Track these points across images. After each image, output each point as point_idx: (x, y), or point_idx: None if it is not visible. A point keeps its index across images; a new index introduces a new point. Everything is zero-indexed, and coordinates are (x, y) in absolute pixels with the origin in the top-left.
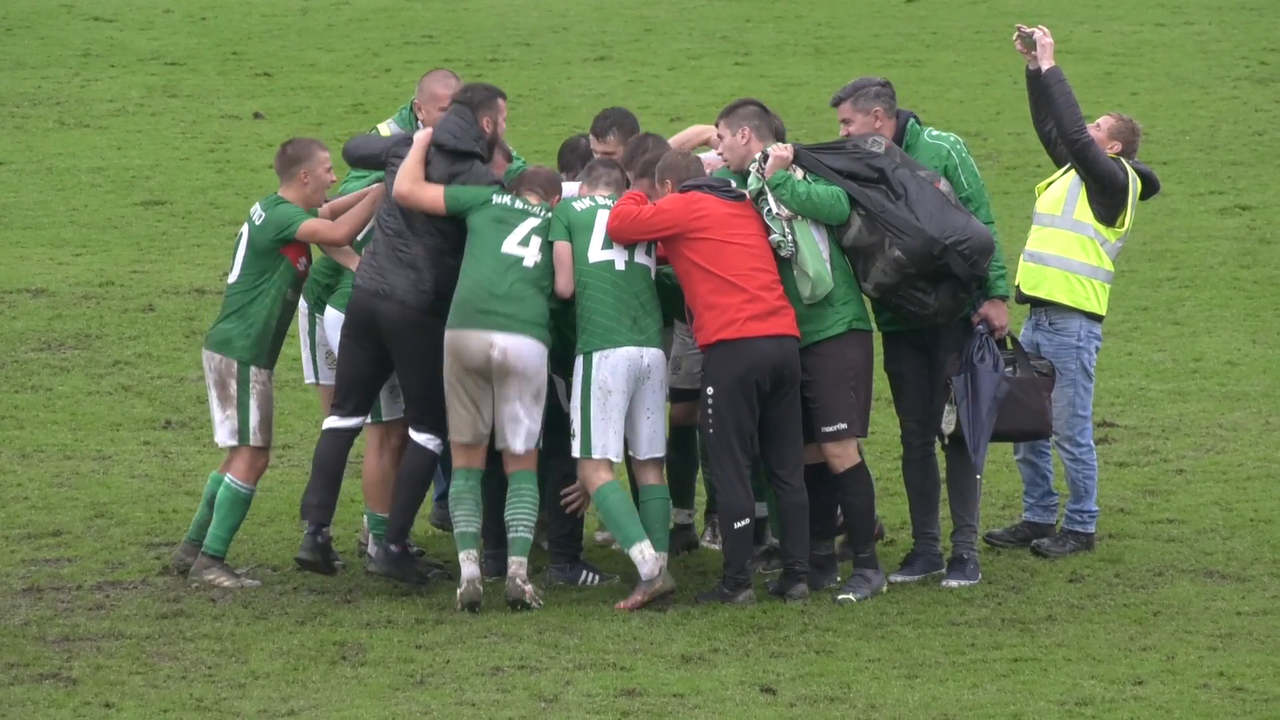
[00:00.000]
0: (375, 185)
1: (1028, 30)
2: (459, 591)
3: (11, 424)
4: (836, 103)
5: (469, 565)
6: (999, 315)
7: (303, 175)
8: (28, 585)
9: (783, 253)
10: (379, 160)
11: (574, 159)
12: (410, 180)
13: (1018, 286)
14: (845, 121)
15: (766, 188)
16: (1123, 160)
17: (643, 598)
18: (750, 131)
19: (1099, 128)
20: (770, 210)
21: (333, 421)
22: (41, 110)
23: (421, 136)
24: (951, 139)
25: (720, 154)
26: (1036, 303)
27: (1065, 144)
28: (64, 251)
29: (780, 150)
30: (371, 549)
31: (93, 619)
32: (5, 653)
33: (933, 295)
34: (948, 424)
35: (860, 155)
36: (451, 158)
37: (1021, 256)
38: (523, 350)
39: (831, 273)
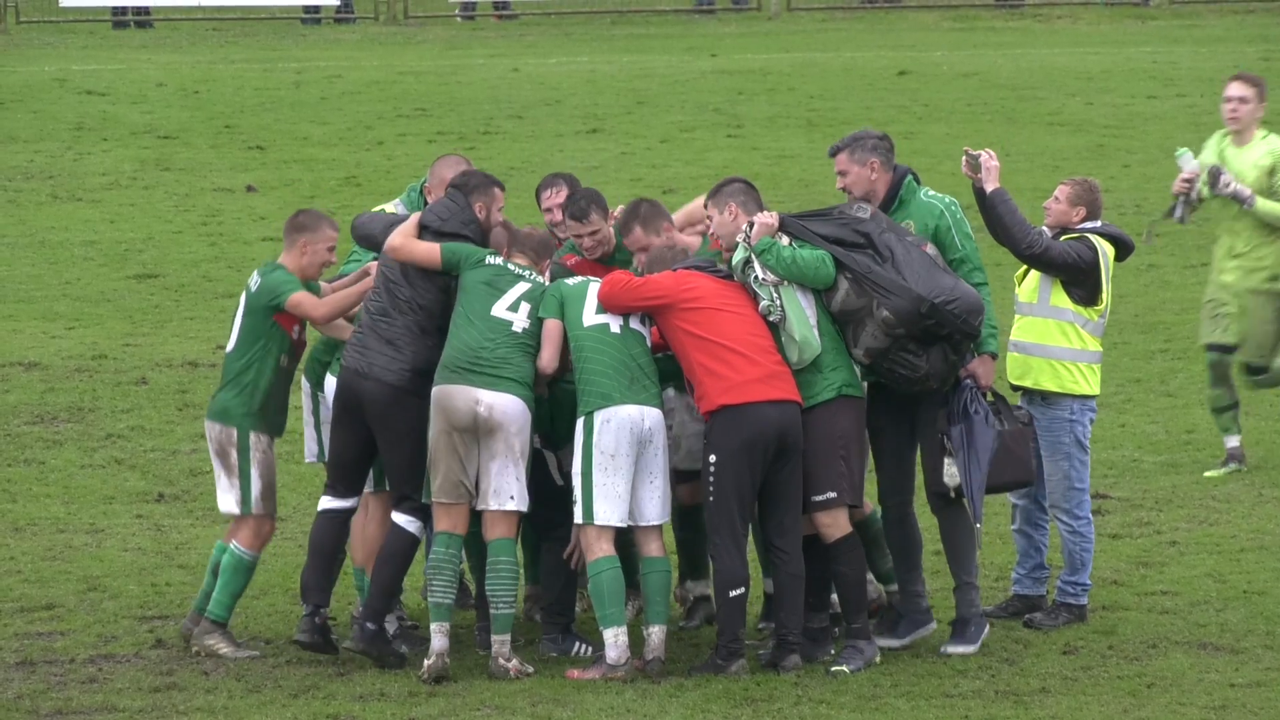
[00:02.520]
0: (372, 272)
1: (975, 153)
2: (426, 663)
3: (4, 497)
4: (834, 153)
5: (439, 638)
6: (987, 373)
7: (303, 245)
8: (20, 659)
9: (772, 317)
10: (377, 241)
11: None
12: (403, 236)
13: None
14: (841, 173)
15: (752, 255)
16: (1088, 237)
17: (598, 676)
18: (737, 207)
19: (1058, 200)
20: (757, 276)
21: (327, 503)
22: (34, 184)
23: (414, 217)
24: (946, 200)
25: (712, 234)
26: (1025, 390)
27: (1022, 260)
28: (57, 325)
29: (765, 217)
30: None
31: (86, 693)
32: None
33: (923, 358)
34: (950, 476)
35: (846, 221)
36: (437, 239)
37: (1008, 345)
38: (508, 407)
39: (820, 338)
